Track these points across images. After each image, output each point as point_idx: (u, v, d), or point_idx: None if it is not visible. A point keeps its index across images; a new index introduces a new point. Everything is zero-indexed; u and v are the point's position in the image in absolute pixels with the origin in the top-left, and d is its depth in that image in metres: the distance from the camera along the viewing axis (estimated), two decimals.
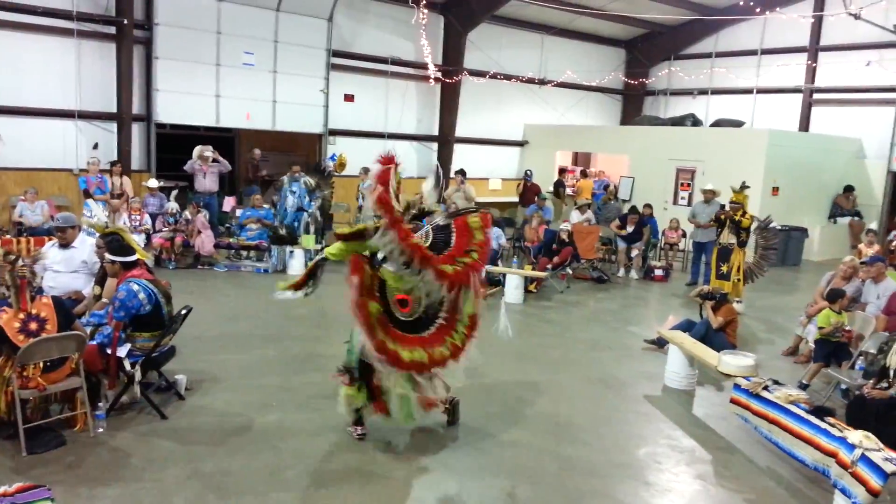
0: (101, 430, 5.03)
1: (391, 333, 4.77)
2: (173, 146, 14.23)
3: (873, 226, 12.95)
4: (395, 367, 4.77)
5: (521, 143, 19.09)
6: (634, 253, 12.28)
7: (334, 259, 4.95)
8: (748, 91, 18.25)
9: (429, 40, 15.70)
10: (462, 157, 17.10)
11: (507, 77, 17.84)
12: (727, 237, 10.02)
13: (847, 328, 6.82)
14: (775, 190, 14.33)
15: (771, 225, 10.31)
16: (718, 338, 7.29)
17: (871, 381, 5.61)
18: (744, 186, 10.14)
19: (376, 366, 4.81)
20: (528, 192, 15.95)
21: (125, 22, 12.64)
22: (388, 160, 4.95)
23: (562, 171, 18.60)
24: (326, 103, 15.23)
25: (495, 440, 5.42)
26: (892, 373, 5.49)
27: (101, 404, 5.19)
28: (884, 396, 5.32)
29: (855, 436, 4.53)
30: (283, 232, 11.29)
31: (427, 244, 4.82)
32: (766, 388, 5.40)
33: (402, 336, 4.80)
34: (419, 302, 4.91)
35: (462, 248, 4.92)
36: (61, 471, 4.50)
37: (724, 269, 10.01)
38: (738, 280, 9.96)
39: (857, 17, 13.40)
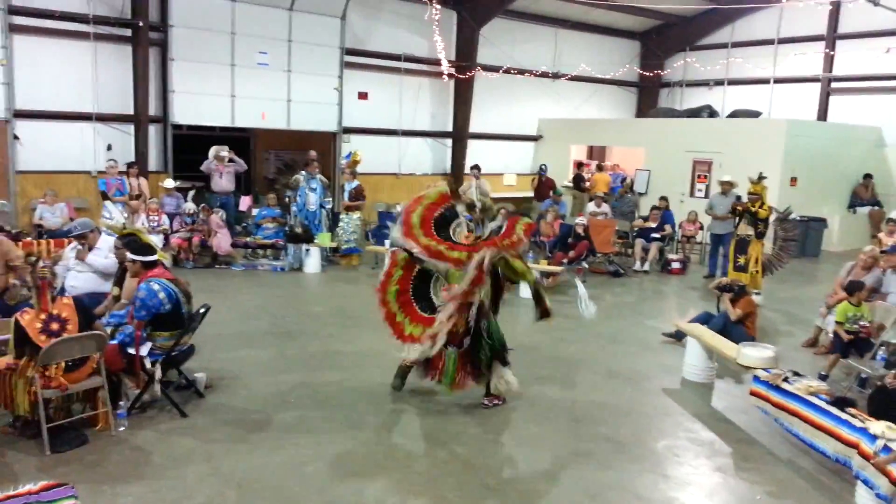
0: (122, 428, 5.09)
1: (408, 311, 5.64)
2: (190, 147, 14.34)
3: (893, 215, 12.77)
4: (398, 338, 5.61)
5: (535, 138, 19.03)
6: (653, 249, 12.20)
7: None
8: (765, 81, 18.06)
9: (442, 36, 15.70)
10: (476, 152, 17.08)
11: (521, 72, 17.78)
12: (744, 229, 9.93)
13: (865, 323, 6.72)
14: (794, 180, 14.19)
15: (791, 216, 10.21)
16: (737, 330, 7.24)
17: (893, 372, 5.55)
18: (761, 177, 10.05)
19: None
20: (543, 186, 15.91)
21: (140, 24, 12.75)
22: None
23: (580, 164, 18.51)
24: (340, 101, 15.27)
25: (513, 434, 5.42)
26: None
27: (122, 403, 5.25)
28: None
29: (877, 426, 4.48)
30: (298, 230, 11.35)
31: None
32: (786, 379, 5.36)
33: (418, 315, 5.62)
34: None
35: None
36: (84, 469, 4.56)
37: (742, 260, 9.93)
38: (757, 272, 9.87)
39: (875, 3, 13.24)
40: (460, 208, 5.92)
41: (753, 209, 9.84)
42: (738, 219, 10.12)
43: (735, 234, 10.13)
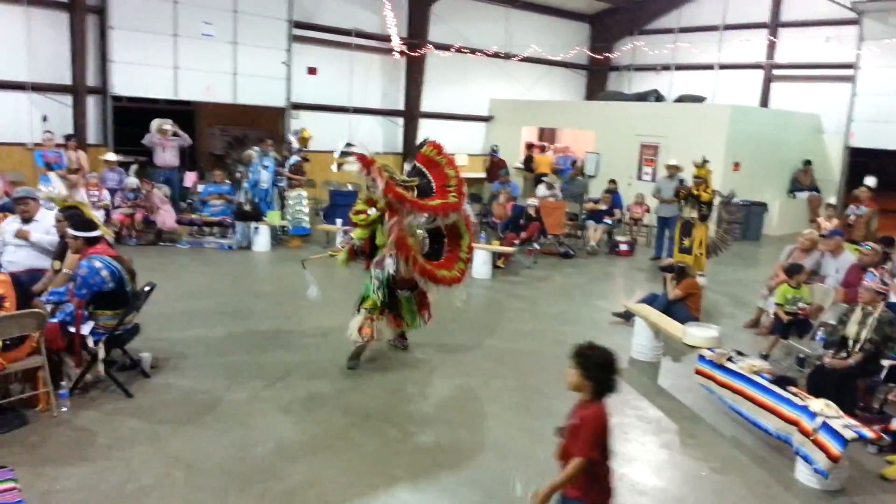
0: (64, 409, 4.93)
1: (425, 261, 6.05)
2: (131, 120, 13.87)
3: (832, 200, 13.24)
4: (434, 282, 6.06)
5: (487, 119, 19.03)
6: (599, 231, 12.38)
7: (361, 240, 6.02)
8: (710, 67, 18.41)
9: (394, 12, 15.48)
10: (428, 132, 16.87)
11: (473, 51, 17.70)
12: (689, 212, 10.14)
13: (804, 305, 6.96)
14: (736, 165, 14.55)
15: (734, 200, 10.46)
16: (680, 310, 7.40)
17: (831, 352, 5.78)
18: (705, 161, 10.25)
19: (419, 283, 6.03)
20: (495, 167, 15.95)
21: None
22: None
23: (531, 146, 18.59)
24: (289, 76, 14.94)
25: (465, 413, 5.45)
26: (850, 343, 5.65)
27: (63, 383, 5.07)
28: (844, 366, 5.48)
29: (816, 404, 4.66)
30: (247, 208, 11.11)
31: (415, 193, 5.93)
32: (729, 359, 5.52)
33: (431, 263, 6.10)
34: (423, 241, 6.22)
35: (442, 183, 6.14)
36: (24, 451, 4.40)
37: (687, 243, 10.12)
38: (701, 254, 10.10)
39: None
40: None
41: (697, 192, 10.05)
42: (682, 202, 10.32)
43: (680, 216, 10.34)
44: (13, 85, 12.16)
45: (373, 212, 5.87)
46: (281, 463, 4.50)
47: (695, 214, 10.06)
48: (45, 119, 12.47)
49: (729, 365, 5.46)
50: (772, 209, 15.18)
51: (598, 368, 3.11)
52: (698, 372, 5.75)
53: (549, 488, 3.06)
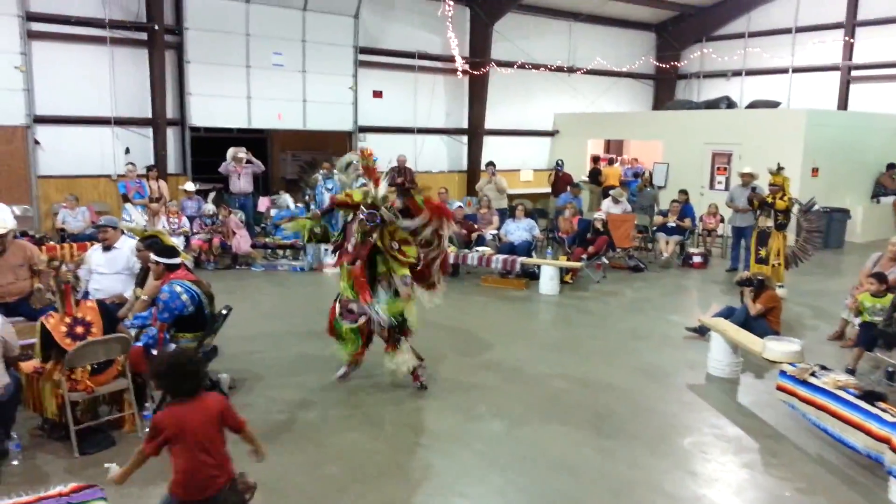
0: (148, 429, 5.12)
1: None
2: (208, 149, 14.42)
3: None
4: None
5: (551, 133, 18.94)
6: (671, 243, 12.11)
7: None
8: (784, 71, 17.85)
9: (455, 33, 15.66)
10: (492, 148, 17.04)
11: (536, 66, 17.70)
12: (764, 221, 9.81)
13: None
14: (815, 171, 14.00)
15: (814, 207, 10.06)
16: (759, 324, 7.14)
17: None
18: (780, 168, 9.91)
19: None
20: (560, 182, 15.82)
21: (156, 28, 12.82)
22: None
23: (596, 158, 18.40)
24: (356, 100, 15.29)
25: (537, 432, 5.39)
26: None
27: (147, 404, 5.29)
28: None
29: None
30: (317, 230, 11.35)
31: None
32: (812, 373, 5.29)
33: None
34: None
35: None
36: None
37: (763, 253, 9.80)
38: (778, 264, 9.75)
39: None
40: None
41: (770, 200, 9.70)
42: (757, 211, 10.00)
43: (756, 226, 10.01)
44: (99, 120, 12.87)
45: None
46: (353, 483, 4.55)
47: (770, 223, 9.74)
48: (127, 151, 13.13)
49: (812, 380, 5.22)
50: (854, 215, 14.51)
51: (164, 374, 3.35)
52: (780, 388, 5.53)
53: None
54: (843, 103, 16.82)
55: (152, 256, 5.55)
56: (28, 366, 4.94)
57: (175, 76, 13.50)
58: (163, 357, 3.39)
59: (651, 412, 5.81)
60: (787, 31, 17.72)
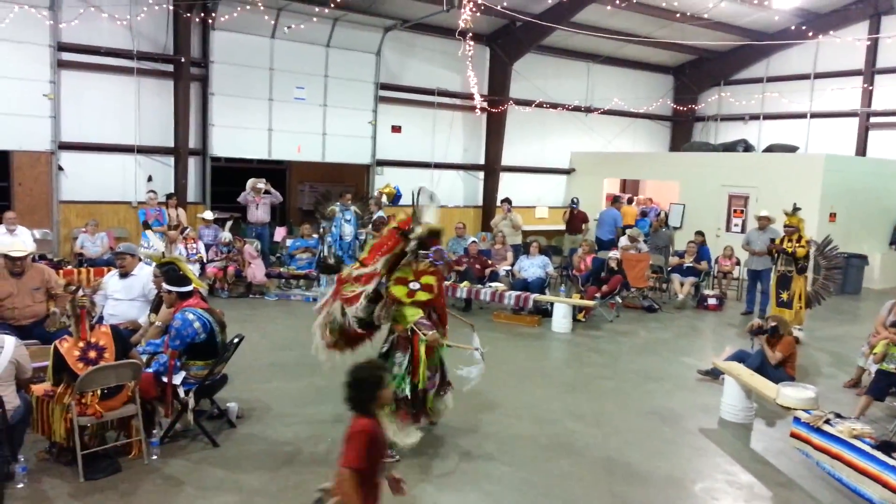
0: (154, 457, 5.12)
1: None
2: (227, 179, 14.62)
3: None
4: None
5: (567, 171, 19.03)
6: (687, 285, 12.04)
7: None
8: (802, 115, 17.88)
9: (475, 71, 15.87)
10: (508, 185, 17.14)
11: (553, 105, 17.87)
12: (784, 265, 9.74)
13: None
14: (832, 216, 13.93)
15: (831, 245, 9.96)
16: (775, 369, 7.05)
17: None
18: (796, 209, 9.86)
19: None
20: (575, 219, 15.85)
21: (182, 60, 13.12)
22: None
23: (615, 198, 18.39)
24: (374, 134, 15.48)
25: (546, 473, 5.31)
26: None
27: (155, 431, 5.29)
28: None
29: None
30: (331, 261, 11.44)
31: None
32: (827, 421, 5.19)
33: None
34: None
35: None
36: (117, 497, 4.58)
37: (785, 296, 9.69)
38: (801, 308, 9.63)
39: None
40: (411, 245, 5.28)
41: (790, 248, 9.62)
42: (776, 256, 9.93)
43: (776, 269, 9.91)
44: (122, 148, 13.11)
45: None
46: None
47: (791, 267, 9.65)
48: (149, 179, 13.34)
49: (827, 428, 5.13)
50: (872, 262, 14.37)
51: (351, 387, 3.21)
52: (794, 435, 5.43)
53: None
54: (861, 149, 16.79)
55: (164, 285, 5.60)
56: (39, 389, 4.98)
57: (199, 107, 13.77)
58: (356, 369, 3.33)
59: (663, 456, 5.72)
60: (806, 76, 17.80)
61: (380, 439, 3.17)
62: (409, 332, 5.27)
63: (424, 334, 5.20)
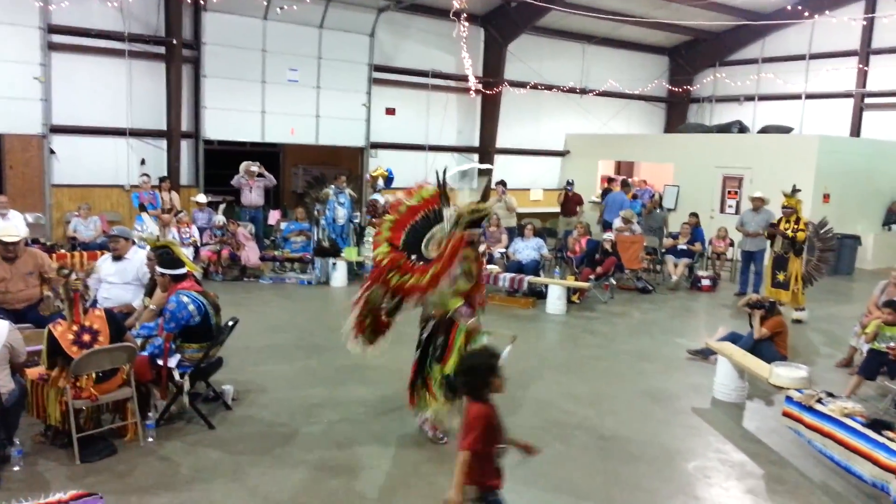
0: (150, 439, 5.14)
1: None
2: (220, 161, 14.55)
3: None
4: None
5: (562, 153, 18.99)
6: (681, 266, 12.08)
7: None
8: (797, 96, 17.85)
9: (469, 53, 15.76)
10: (503, 167, 17.09)
11: (548, 87, 17.79)
12: (782, 246, 9.71)
13: (893, 344, 6.55)
14: (826, 197, 13.95)
15: (827, 226, 9.97)
16: (767, 349, 7.09)
17: None
18: (795, 190, 9.85)
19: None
20: (570, 202, 15.84)
21: (174, 42, 13.00)
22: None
23: (610, 179, 18.40)
24: (368, 117, 15.40)
25: (540, 454, 5.33)
26: None
27: (150, 414, 5.31)
28: None
29: None
30: (326, 244, 11.42)
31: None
32: (819, 400, 5.23)
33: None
34: None
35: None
36: (113, 479, 4.60)
37: (781, 277, 9.69)
38: (798, 289, 9.64)
39: None
40: (447, 213, 5.17)
41: (790, 231, 9.56)
42: (773, 238, 9.90)
43: (773, 250, 9.91)
44: (114, 131, 13.02)
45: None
46: (355, 499, 4.53)
47: (788, 249, 9.63)
48: (142, 162, 13.27)
49: (819, 407, 5.17)
50: (865, 242, 14.42)
51: (465, 374, 3.41)
52: (786, 414, 5.48)
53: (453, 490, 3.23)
54: (855, 130, 16.79)
55: (157, 269, 5.59)
56: (34, 372, 4.98)
57: (191, 89, 13.66)
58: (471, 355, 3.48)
59: (656, 435, 5.77)
60: (801, 57, 17.74)
61: (496, 423, 3.34)
62: (449, 319, 5.16)
63: (465, 322, 5.12)
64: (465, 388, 3.36)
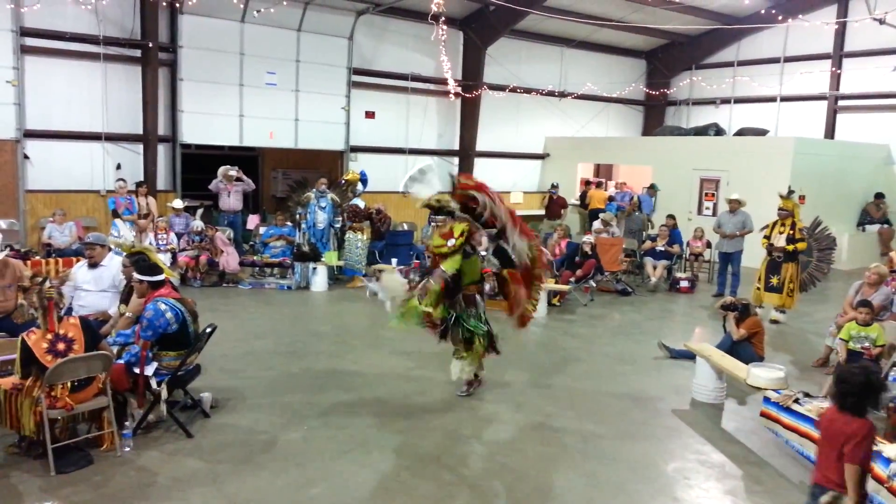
0: (127, 448, 5.07)
1: None
2: (198, 166, 14.42)
3: None
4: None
5: (542, 156, 19.07)
6: (659, 268, 12.15)
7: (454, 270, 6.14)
8: (772, 99, 18.08)
9: (448, 56, 15.77)
10: (483, 170, 17.08)
11: (527, 90, 17.87)
12: (779, 240, 9.62)
13: (867, 345, 6.64)
14: (802, 198, 14.10)
15: (821, 226, 10.00)
16: (745, 350, 7.15)
17: None
18: (790, 191, 9.87)
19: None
20: (555, 205, 15.92)
21: (150, 45, 12.88)
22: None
23: (587, 182, 18.49)
24: (348, 120, 15.35)
25: (522, 456, 5.36)
26: None
27: (127, 423, 5.23)
28: None
29: (891, 450, 4.41)
30: (306, 249, 11.36)
31: None
32: (796, 400, 5.29)
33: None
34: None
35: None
36: (89, 490, 4.53)
37: (775, 281, 9.65)
38: (792, 291, 9.60)
39: (882, 21, 13.20)
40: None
41: (791, 249, 9.47)
42: (769, 240, 9.78)
43: (768, 254, 9.85)
44: (90, 135, 12.85)
45: (452, 242, 6.17)
46: None
47: (781, 254, 9.59)
48: (118, 167, 13.10)
49: (796, 407, 5.23)
50: (841, 243, 14.57)
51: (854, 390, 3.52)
52: (763, 414, 5.53)
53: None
54: (829, 132, 17.03)
55: (135, 275, 5.52)
56: (7, 382, 4.89)
57: (168, 93, 13.53)
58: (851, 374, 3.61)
59: (636, 437, 5.79)
60: (776, 60, 17.97)
61: (874, 439, 3.59)
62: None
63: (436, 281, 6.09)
64: (848, 403, 3.51)
